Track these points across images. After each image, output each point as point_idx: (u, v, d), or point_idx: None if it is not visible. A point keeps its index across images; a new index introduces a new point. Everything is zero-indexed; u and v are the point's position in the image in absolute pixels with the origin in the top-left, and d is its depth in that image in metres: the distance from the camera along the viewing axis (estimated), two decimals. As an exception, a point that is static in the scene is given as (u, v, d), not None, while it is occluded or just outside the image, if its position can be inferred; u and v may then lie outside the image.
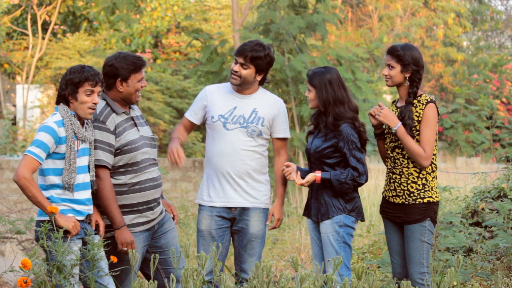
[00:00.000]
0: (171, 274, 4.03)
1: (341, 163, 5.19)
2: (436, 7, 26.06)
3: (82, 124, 4.79)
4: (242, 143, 5.29)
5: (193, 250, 8.77)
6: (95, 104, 4.74)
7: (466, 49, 26.57)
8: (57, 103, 4.77)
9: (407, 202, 5.10)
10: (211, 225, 5.31)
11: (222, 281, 3.88)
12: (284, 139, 5.45)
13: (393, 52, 5.12)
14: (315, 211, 5.26)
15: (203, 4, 23.27)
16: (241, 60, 5.26)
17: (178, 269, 4.99)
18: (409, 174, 5.11)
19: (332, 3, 15.58)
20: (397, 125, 5.05)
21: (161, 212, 5.22)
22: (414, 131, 5.07)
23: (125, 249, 4.90)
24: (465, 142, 20.75)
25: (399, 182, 5.14)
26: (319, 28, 14.78)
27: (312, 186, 5.29)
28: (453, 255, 6.69)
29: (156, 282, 3.92)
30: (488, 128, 21.17)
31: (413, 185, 5.09)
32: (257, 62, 5.27)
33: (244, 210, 5.32)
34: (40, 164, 4.61)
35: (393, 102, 5.32)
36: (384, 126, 5.26)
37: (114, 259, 4.70)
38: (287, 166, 5.27)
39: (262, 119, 5.33)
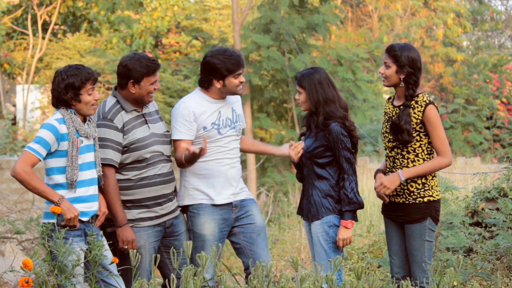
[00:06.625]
0: (172, 274, 4.03)
1: (332, 162, 5.19)
2: (436, 7, 26.04)
3: (84, 121, 4.80)
4: (234, 144, 5.33)
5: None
6: (97, 100, 4.75)
7: (466, 49, 26.53)
8: (56, 106, 4.75)
9: (407, 202, 5.09)
10: (215, 229, 5.27)
11: (222, 281, 3.88)
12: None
13: (390, 51, 5.07)
14: (306, 212, 5.28)
15: (203, 4, 23.26)
16: (243, 71, 5.31)
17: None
18: None
19: (332, 3, 15.57)
20: (402, 178, 5.03)
21: (175, 210, 5.21)
22: (413, 132, 5.04)
23: (126, 247, 4.91)
24: (464, 142, 20.73)
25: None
26: (319, 29, 14.77)
27: (303, 185, 5.32)
28: (453, 255, 6.69)
29: (156, 281, 3.93)
30: (488, 128, 21.16)
31: (413, 184, 5.08)
32: None
33: (243, 207, 5.33)
34: (39, 160, 4.61)
35: (389, 99, 5.28)
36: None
37: (115, 259, 4.70)
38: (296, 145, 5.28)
39: (241, 116, 5.40)
